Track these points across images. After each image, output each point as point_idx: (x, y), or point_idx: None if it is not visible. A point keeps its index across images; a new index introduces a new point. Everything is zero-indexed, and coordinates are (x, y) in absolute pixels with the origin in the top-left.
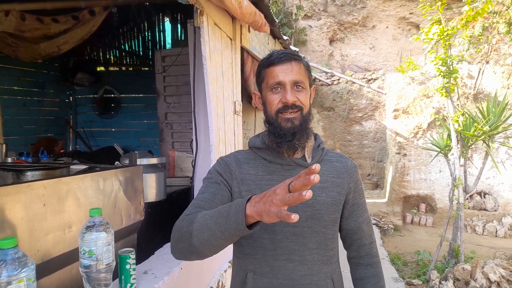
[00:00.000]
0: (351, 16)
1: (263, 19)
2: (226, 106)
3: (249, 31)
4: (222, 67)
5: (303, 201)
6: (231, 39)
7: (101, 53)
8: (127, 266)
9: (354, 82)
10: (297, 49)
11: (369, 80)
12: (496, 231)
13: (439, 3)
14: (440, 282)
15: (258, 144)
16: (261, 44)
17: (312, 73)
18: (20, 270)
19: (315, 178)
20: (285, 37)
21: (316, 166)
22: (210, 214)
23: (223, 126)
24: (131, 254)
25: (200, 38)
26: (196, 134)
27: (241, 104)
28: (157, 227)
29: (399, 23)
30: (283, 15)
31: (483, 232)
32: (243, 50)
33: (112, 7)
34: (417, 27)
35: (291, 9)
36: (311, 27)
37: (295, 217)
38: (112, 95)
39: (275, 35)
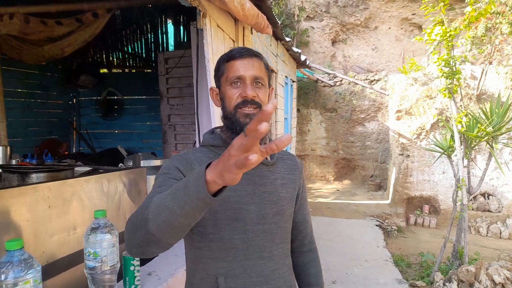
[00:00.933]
0: (353, 17)
1: (266, 21)
2: None
3: (251, 32)
4: None
5: (261, 136)
6: (233, 41)
7: (104, 55)
8: (132, 268)
9: (356, 83)
10: (299, 51)
11: (372, 81)
12: (501, 233)
13: (442, 4)
14: (444, 284)
15: (216, 142)
16: (264, 46)
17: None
18: (26, 272)
19: (269, 106)
20: (287, 39)
21: (270, 105)
22: (167, 192)
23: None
24: None
25: (203, 40)
26: (199, 136)
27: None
28: None
29: (401, 24)
30: (285, 17)
31: (487, 233)
32: None
33: (115, 10)
34: (420, 28)
35: (293, 10)
36: (313, 28)
37: (252, 157)
38: (115, 97)
39: (277, 36)
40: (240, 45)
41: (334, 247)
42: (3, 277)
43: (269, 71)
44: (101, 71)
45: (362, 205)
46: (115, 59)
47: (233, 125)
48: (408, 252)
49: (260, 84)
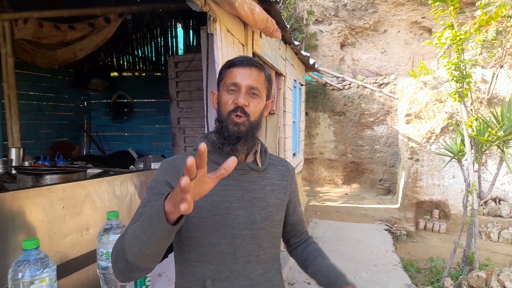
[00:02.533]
0: (362, 20)
1: (275, 25)
2: None
3: (260, 36)
4: None
5: (184, 186)
6: (243, 45)
7: (114, 59)
8: None
9: (365, 87)
10: (308, 54)
11: (381, 84)
12: None
13: (452, 7)
14: None
15: (208, 147)
16: (273, 50)
17: (323, 78)
18: (42, 271)
19: (189, 159)
20: (296, 42)
21: (188, 161)
22: (137, 223)
23: None
24: None
25: (213, 44)
26: None
27: None
28: None
29: (411, 27)
30: (294, 20)
31: (498, 239)
32: (254, 55)
33: (127, 14)
34: (429, 31)
35: (302, 14)
36: (322, 32)
37: (190, 207)
38: (125, 100)
39: (286, 40)
40: (250, 48)
41: (342, 251)
42: (20, 275)
43: (270, 83)
44: (112, 74)
45: (371, 209)
46: (125, 63)
47: (222, 130)
48: (417, 257)
49: (255, 94)
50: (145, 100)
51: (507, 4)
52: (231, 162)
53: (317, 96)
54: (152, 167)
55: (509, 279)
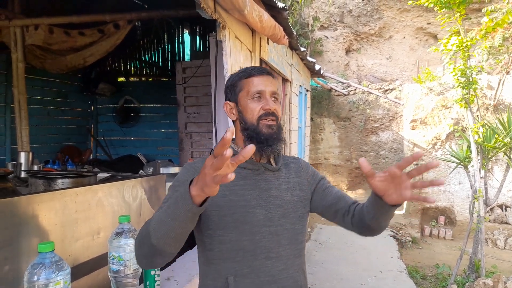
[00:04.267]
0: (367, 26)
1: (282, 32)
2: None
3: (267, 43)
4: None
5: (226, 160)
6: (250, 51)
7: (122, 64)
8: (152, 272)
9: (370, 93)
10: (313, 60)
11: (386, 90)
12: None
13: (458, 14)
14: None
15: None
16: (279, 56)
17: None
18: (57, 273)
19: (227, 134)
20: (302, 49)
21: (228, 133)
22: (162, 209)
23: None
24: None
25: (222, 51)
26: (216, 144)
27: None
28: None
29: (416, 33)
30: (300, 26)
31: (505, 246)
32: (261, 62)
33: (136, 21)
34: (435, 37)
35: (308, 20)
36: (327, 37)
37: (231, 176)
38: (132, 105)
39: (292, 46)
40: (257, 55)
41: (347, 257)
42: (35, 277)
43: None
44: (119, 79)
45: None
46: (132, 68)
47: (257, 136)
48: (423, 264)
49: (276, 99)
50: (152, 105)
51: None
52: (249, 149)
53: (322, 102)
54: (161, 172)
55: None
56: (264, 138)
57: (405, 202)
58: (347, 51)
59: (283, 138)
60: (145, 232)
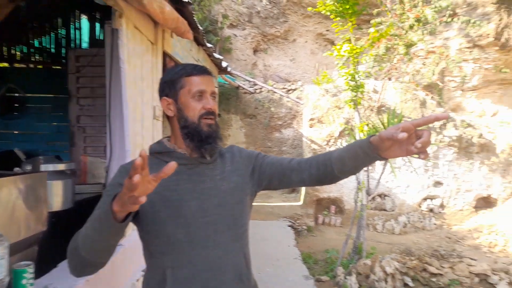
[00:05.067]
0: (274, 28)
1: (187, 26)
2: (145, 110)
3: (172, 36)
4: (142, 71)
5: (136, 186)
6: (152, 43)
7: (5, 48)
8: (24, 281)
9: (275, 92)
10: (220, 57)
11: (289, 90)
12: (393, 229)
13: (350, 24)
14: (345, 277)
15: (159, 149)
16: (184, 50)
17: (236, 81)
18: None
19: (138, 160)
20: (209, 45)
21: (138, 159)
22: (88, 223)
23: (141, 131)
24: (29, 268)
25: (118, 40)
26: (110, 139)
27: (162, 109)
28: (63, 238)
29: (316, 38)
30: (209, 22)
31: (383, 230)
32: (165, 55)
33: (19, 1)
34: (333, 43)
35: (217, 17)
36: (236, 36)
37: (142, 199)
38: (16, 94)
39: (199, 42)
40: (160, 47)
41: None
42: None
43: None
44: (0, 65)
45: (276, 207)
46: (18, 53)
47: (198, 134)
48: (315, 250)
49: (214, 98)
50: (41, 95)
51: (394, 25)
52: (170, 166)
53: (230, 99)
54: (42, 169)
55: (389, 264)
56: (205, 136)
57: (303, 195)
58: (255, 51)
59: (221, 136)
60: (74, 245)
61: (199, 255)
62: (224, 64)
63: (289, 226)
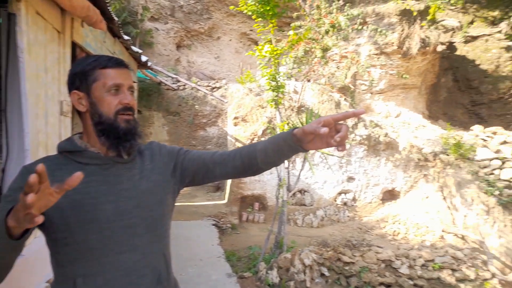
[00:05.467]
0: (197, 24)
1: (99, 15)
2: (50, 106)
3: (82, 26)
4: (46, 62)
5: (29, 208)
6: (59, 32)
7: None
8: None
9: (199, 89)
10: (139, 51)
11: (213, 88)
12: (312, 222)
13: (271, 25)
14: (266, 272)
15: (69, 147)
16: (98, 41)
17: (158, 77)
18: None
19: (31, 178)
20: (126, 37)
21: (32, 176)
22: None
23: (44, 128)
24: None
25: (16, 27)
26: (7, 137)
27: (71, 104)
28: None
29: (241, 37)
30: (128, 13)
31: (303, 224)
32: (75, 45)
33: None
34: (256, 43)
35: (137, 8)
36: (158, 30)
37: (38, 219)
38: None
39: (114, 33)
40: (68, 37)
41: (171, 251)
42: None
43: None
44: None
45: (201, 206)
46: None
47: (112, 130)
48: (239, 247)
49: (132, 92)
50: None
51: (312, 29)
52: (76, 178)
53: (151, 95)
54: None
55: (307, 256)
56: (123, 133)
57: (227, 193)
58: (178, 46)
59: (141, 132)
60: None
61: (114, 261)
62: (143, 58)
63: (213, 225)
